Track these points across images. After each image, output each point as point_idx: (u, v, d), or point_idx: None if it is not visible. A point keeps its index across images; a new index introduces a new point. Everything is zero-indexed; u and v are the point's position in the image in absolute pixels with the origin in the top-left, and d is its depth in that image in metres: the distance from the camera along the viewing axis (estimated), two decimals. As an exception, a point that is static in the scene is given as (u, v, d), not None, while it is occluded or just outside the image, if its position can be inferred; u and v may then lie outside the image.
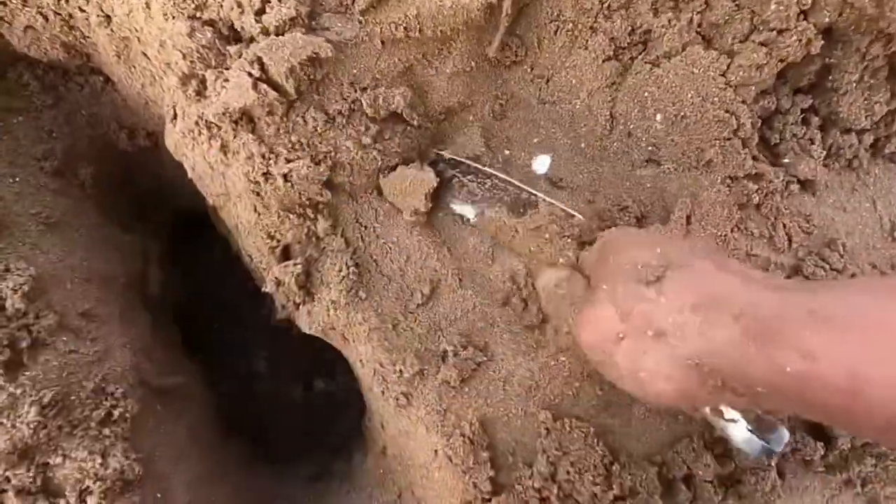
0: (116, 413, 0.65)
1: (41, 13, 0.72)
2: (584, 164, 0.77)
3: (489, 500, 0.68)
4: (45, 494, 0.59)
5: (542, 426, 0.70)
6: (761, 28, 0.66)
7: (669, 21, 0.69)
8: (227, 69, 0.64)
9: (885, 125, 0.73)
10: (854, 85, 0.70)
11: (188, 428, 0.78)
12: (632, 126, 0.74)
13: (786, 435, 0.51)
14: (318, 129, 0.65)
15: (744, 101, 0.68)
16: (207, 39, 0.62)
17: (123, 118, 0.87)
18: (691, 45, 0.69)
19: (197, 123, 0.66)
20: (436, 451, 0.70)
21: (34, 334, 0.63)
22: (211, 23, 0.63)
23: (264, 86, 0.61)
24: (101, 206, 0.86)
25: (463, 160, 0.74)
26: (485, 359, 0.71)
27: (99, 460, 0.61)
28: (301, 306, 0.73)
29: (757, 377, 0.42)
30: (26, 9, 0.72)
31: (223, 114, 0.63)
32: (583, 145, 0.77)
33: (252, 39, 0.63)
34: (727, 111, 0.68)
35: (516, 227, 0.68)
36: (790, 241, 0.73)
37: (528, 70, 0.76)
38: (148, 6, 0.64)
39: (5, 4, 0.71)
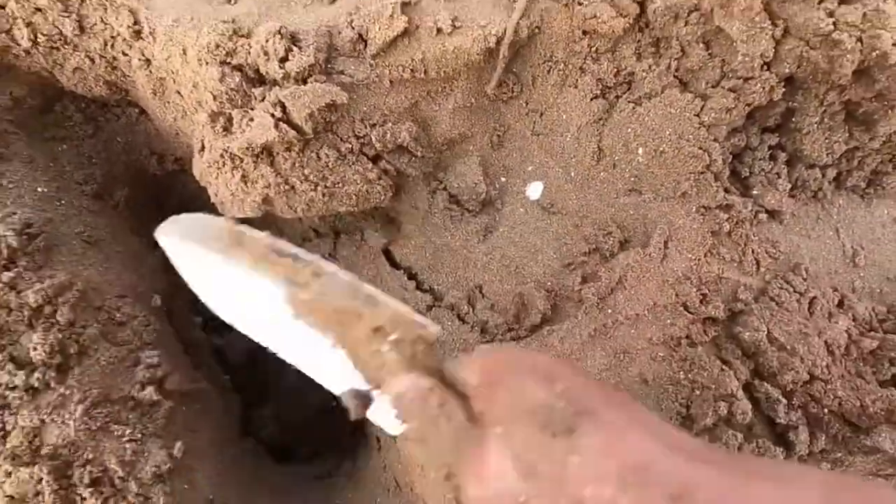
0: (150, 412, 0.73)
1: (89, 56, 0.81)
2: (574, 191, 0.84)
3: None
4: (91, 485, 0.66)
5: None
6: (730, 75, 0.73)
7: (650, 66, 0.76)
8: (251, 109, 0.71)
9: (847, 160, 0.80)
10: (815, 126, 0.76)
11: (210, 428, 0.86)
12: (616, 158, 0.80)
13: None
14: (330, 164, 0.73)
15: (716, 139, 0.75)
16: (236, 83, 0.70)
17: (155, 145, 0.95)
18: (669, 88, 0.76)
19: (222, 156, 0.74)
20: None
21: (81, 342, 0.71)
22: (239, 68, 0.71)
23: (285, 126, 0.69)
24: (133, 226, 0.94)
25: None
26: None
27: (136, 453, 0.69)
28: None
29: None
30: (76, 53, 0.80)
31: (247, 148, 0.71)
32: (572, 174, 0.84)
33: (275, 83, 0.71)
34: (701, 148, 0.75)
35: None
36: (758, 265, 0.79)
37: (524, 105, 0.83)
38: (184, 52, 0.72)
39: (58, 49, 0.80)
